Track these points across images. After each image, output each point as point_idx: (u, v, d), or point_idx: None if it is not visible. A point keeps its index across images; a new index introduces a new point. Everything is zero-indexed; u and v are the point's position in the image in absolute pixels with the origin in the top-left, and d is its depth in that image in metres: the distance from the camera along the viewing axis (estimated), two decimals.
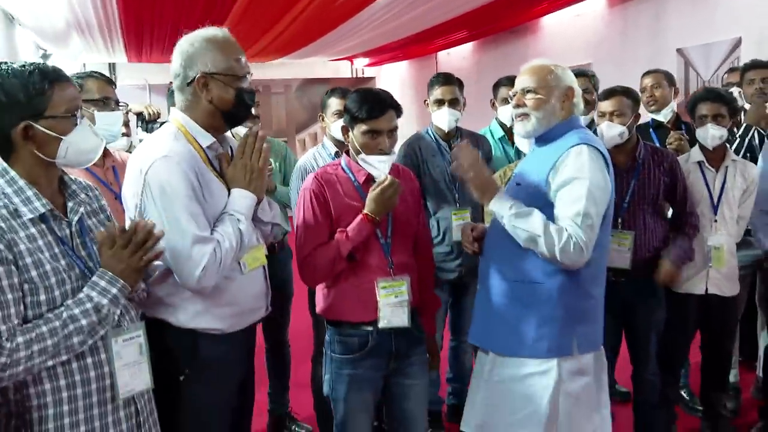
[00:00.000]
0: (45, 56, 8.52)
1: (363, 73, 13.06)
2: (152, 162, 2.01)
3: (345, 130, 2.51)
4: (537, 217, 2.24)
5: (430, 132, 3.48)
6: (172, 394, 2.12)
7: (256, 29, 7.73)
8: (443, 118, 3.45)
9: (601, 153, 2.33)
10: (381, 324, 2.48)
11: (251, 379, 2.43)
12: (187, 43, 2.12)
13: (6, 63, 1.71)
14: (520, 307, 2.35)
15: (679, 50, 6.00)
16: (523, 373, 2.35)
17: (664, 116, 3.92)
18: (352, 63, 12.73)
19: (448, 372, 3.80)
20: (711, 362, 3.44)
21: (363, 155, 2.47)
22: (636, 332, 3.18)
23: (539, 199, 2.32)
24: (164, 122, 3.18)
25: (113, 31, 7.52)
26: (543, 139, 2.44)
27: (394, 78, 12.50)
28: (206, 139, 2.15)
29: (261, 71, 11.10)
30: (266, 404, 3.82)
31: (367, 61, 12.19)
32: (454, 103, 3.47)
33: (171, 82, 2.23)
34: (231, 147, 2.30)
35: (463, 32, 8.70)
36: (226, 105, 2.13)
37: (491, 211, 2.37)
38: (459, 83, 3.57)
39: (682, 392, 3.84)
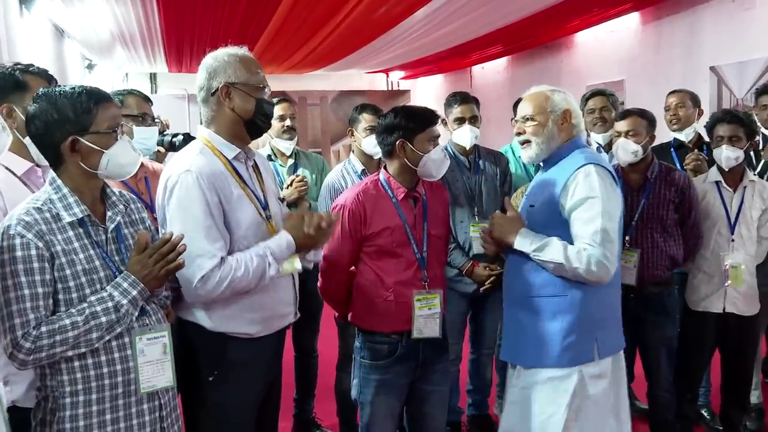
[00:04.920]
0: (90, 66, 8.83)
1: (398, 86, 13.17)
2: (175, 176, 2.16)
3: (402, 145, 2.60)
4: (556, 246, 2.34)
5: (449, 148, 3.54)
6: (200, 393, 2.24)
7: (293, 42, 7.89)
8: (465, 136, 3.51)
9: (608, 170, 2.43)
10: (414, 335, 2.61)
11: (278, 382, 2.53)
12: (210, 58, 2.29)
13: (59, 87, 1.91)
14: (545, 321, 2.44)
15: (712, 68, 5.95)
16: (545, 377, 2.44)
17: (686, 136, 3.92)
18: (387, 76, 12.84)
19: (468, 384, 3.85)
20: (730, 381, 3.43)
21: (427, 155, 2.59)
22: (646, 348, 3.24)
23: (554, 220, 2.43)
24: (176, 134, 3.32)
25: (155, 42, 7.75)
26: (548, 162, 2.55)
27: (429, 91, 12.58)
28: (231, 150, 2.28)
29: (297, 83, 11.30)
30: (291, 409, 3.92)
31: (402, 74, 12.29)
32: (473, 120, 3.54)
33: None
34: (256, 161, 2.42)
35: (497, 47, 8.74)
36: (247, 114, 2.26)
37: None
38: (476, 101, 3.64)
39: (703, 411, 3.82)
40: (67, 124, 1.84)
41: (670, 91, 4.11)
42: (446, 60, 9.84)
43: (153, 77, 11.40)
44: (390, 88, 13.05)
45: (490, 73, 10.36)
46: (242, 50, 2.31)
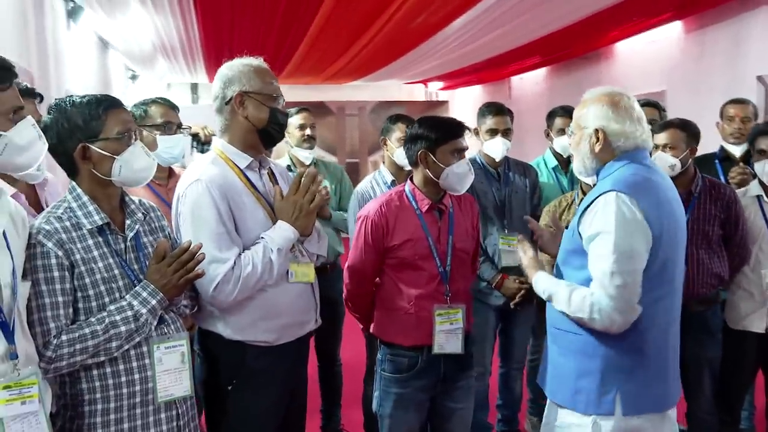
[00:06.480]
0: (134, 77, 9.02)
1: (437, 97, 13.14)
2: (187, 186, 2.18)
3: (424, 156, 2.56)
4: (561, 294, 2.14)
5: (478, 159, 3.49)
6: (221, 402, 2.24)
7: (331, 51, 7.94)
8: (497, 148, 3.45)
9: (636, 199, 2.05)
10: (435, 350, 2.56)
11: (301, 389, 2.50)
12: (226, 68, 2.31)
13: (69, 96, 1.92)
14: (561, 355, 2.24)
15: (759, 77, 5.78)
16: (565, 421, 2.22)
17: (741, 150, 3.73)
18: (426, 86, 12.83)
19: (498, 398, 3.78)
20: None
21: (450, 168, 2.53)
22: (686, 368, 3.07)
23: (576, 247, 2.18)
24: None
25: (195, 53, 7.89)
26: (598, 176, 2.27)
27: (468, 102, 12.50)
28: (244, 160, 2.29)
29: (336, 93, 11.39)
30: (319, 421, 3.91)
31: (441, 84, 12.27)
32: (506, 133, 3.48)
33: None
34: (272, 169, 2.42)
35: (536, 57, 8.65)
36: (260, 123, 2.27)
37: None
38: (510, 113, 3.57)
39: None
40: (77, 132, 1.86)
41: (728, 99, 3.92)
42: (484, 71, 9.79)
43: (194, 87, 11.60)
44: (428, 99, 13.04)
45: (528, 84, 10.25)
46: (257, 60, 2.33)
